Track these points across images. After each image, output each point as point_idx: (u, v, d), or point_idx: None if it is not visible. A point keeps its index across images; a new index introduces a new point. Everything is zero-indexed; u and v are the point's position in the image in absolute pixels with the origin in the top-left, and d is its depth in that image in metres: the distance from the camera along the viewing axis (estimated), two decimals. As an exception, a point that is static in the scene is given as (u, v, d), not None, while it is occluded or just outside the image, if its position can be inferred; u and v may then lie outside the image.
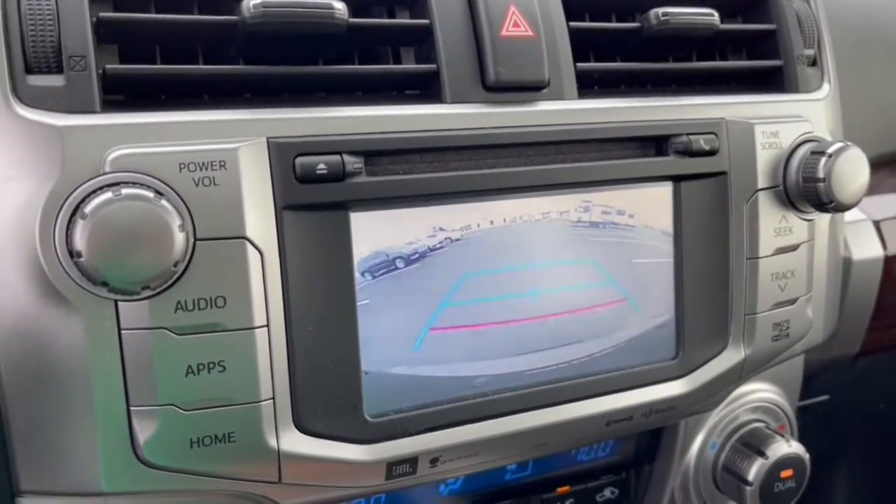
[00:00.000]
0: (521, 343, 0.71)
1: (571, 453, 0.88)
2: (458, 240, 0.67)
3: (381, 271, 0.65)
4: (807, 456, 0.89)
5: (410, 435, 0.67)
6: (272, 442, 0.61)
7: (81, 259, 0.52)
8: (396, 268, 0.65)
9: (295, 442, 0.62)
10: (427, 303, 0.66)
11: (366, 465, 0.65)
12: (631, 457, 0.91)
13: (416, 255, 0.66)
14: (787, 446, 0.87)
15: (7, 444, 0.59)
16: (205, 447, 0.59)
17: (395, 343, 0.66)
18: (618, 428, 0.76)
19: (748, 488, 0.87)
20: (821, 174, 0.76)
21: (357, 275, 0.63)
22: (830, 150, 0.77)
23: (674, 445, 0.90)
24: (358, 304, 0.63)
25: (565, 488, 0.91)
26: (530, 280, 0.71)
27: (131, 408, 0.57)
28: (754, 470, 0.87)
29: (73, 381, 0.57)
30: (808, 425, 1.06)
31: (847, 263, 0.94)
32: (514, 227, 0.69)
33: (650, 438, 0.91)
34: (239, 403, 0.59)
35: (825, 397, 1.12)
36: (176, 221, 0.53)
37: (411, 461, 0.67)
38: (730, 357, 0.79)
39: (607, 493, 0.94)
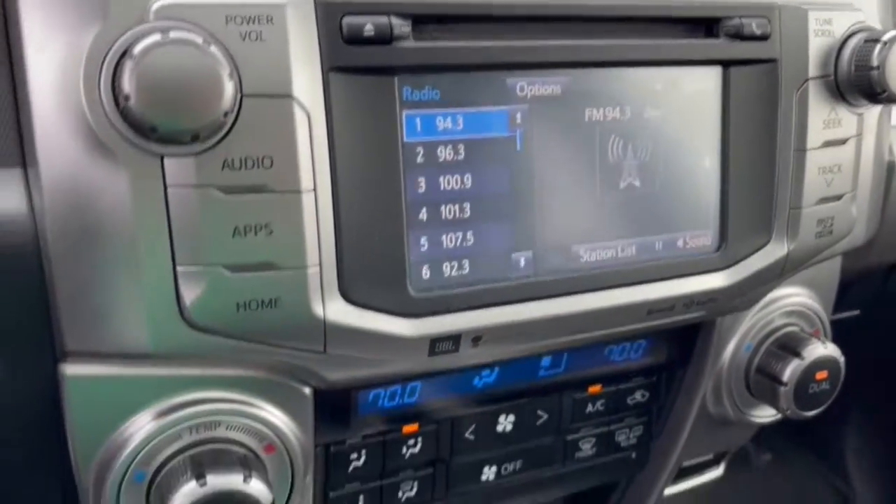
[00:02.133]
0: (568, 227, 0.70)
1: (605, 353, 0.87)
2: (505, 114, 0.66)
3: (429, 142, 0.63)
4: (842, 359, 0.88)
5: (454, 312, 0.66)
6: (318, 310, 0.60)
7: (129, 103, 0.50)
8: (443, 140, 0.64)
9: (341, 311, 0.61)
10: (472, 179, 0.65)
11: (410, 339, 0.64)
12: (664, 360, 0.90)
13: (463, 128, 0.64)
14: (824, 348, 0.87)
15: (52, 304, 0.58)
16: (251, 311, 0.58)
17: (440, 218, 0.65)
18: (658, 317, 0.75)
19: (783, 389, 0.86)
20: (874, 62, 0.74)
21: (403, 144, 0.62)
22: (885, 38, 0.74)
23: (707, 348, 0.90)
24: (403, 174, 0.62)
25: (597, 388, 0.91)
26: (577, 165, 0.69)
27: (178, 268, 0.57)
28: (790, 370, 0.86)
29: (119, 239, 0.56)
30: (836, 341, 1.05)
31: (891, 168, 0.92)
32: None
33: (683, 341, 0.91)
34: (285, 268, 0.58)
35: (856, 312, 1.11)
36: (225, 69, 0.52)
37: (454, 338, 0.66)
38: (772, 251, 0.78)
39: (638, 395, 0.94)
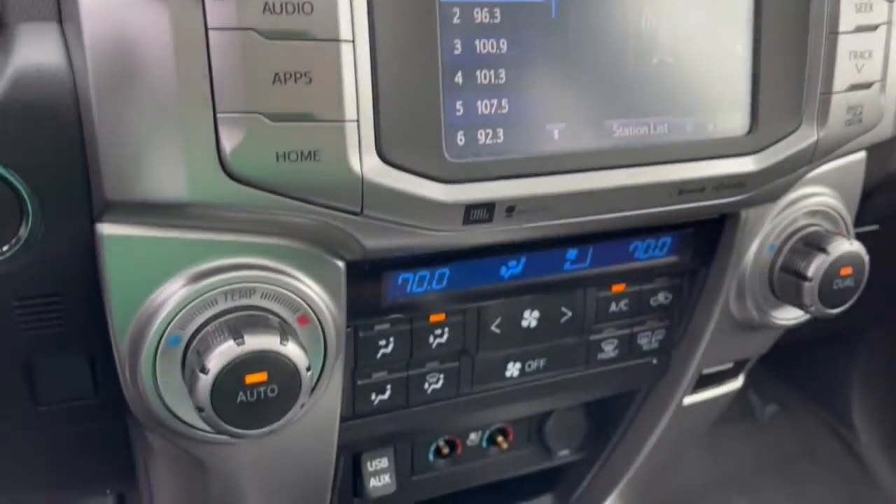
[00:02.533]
0: (601, 100, 0.70)
1: (629, 249, 0.87)
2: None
3: (465, 4, 0.63)
4: (867, 257, 0.88)
5: (489, 180, 0.66)
6: (356, 166, 0.60)
7: None
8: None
9: (377, 170, 0.61)
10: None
11: (445, 205, 0.64)
12: (688, 259, 0.91)
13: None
14: (849, 244, 0.87)
15: (91, 153, 0.58)
16: (290, 163, 0.58)
17: (476, 82, 0.65)
18: (688, 199, 0.75)
19: (807, 284, 0.87)
20: (908, -57, 0.74)
21: (440, 3, 0.62)
22: (920, -81, 0.74)
23: (730, 248, 0.90)
24: (440, 35, 0.62)
25: (621, 287, 0.91)
26: (611, 36, 0.69)
27: (217, 114, 0.56)
28: (814, 266, 0.86)
29: (160, 85, 0.56)
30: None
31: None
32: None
33: (707, 241, 0.91)
34: (324, 120, 0.58)
35: (875, 227, 1.11)
36: None
37: (488, 206, 0.66)
38: (803, 136, 0.78)
39: (661, 297, 0.94)
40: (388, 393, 0.84)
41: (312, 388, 0.72)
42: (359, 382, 0.81)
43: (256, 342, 0.62)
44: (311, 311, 0.68)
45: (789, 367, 2.41)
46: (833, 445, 2.27)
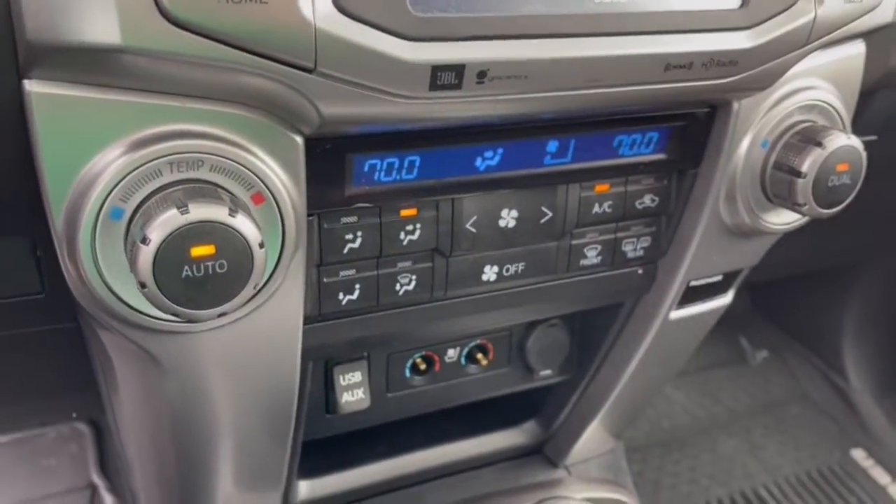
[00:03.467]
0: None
1: (614, 144, 0.82)
2: None
3: None
4: (864, 153, 0.83)
5: (458, 40, 0.60)
6: (307, 12, 0.54)
7: None
8: None
9: (332, 20, 0.56)
10: None
11: (409, 65, 0.59)
12: (675, 157, 0.85)
13: None
14: (846, 138, 0.82)
15: None
16: (234, 4, 0.52)
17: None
18: (676, 76, 0.70)
19: (801, 181, 0.82)
20: None
21: None
22: None
23: (721, 145, 0.85)
24: None
25: (605, 187, 0.86)
26: None
27: None
28: (809, 161, 0.81)
29: None
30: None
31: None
32: None
33: (696, 137, 0.85)
34: None
35: (873, 137, 1.06)
36: None
37: (457, 70, 0.61)
38: (799, 12, 0.72)
39: (647, 199, 0.89)
40: (356, 293, 0.79)
41: (270, 275, 0.67)
42: (325, 280, 0.77)
43: (203, 212, 0.57)
44: (266, 189, 0.63)
45: (780, 313, 2.39)
46: (824, 390, 2.26)
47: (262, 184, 0.63)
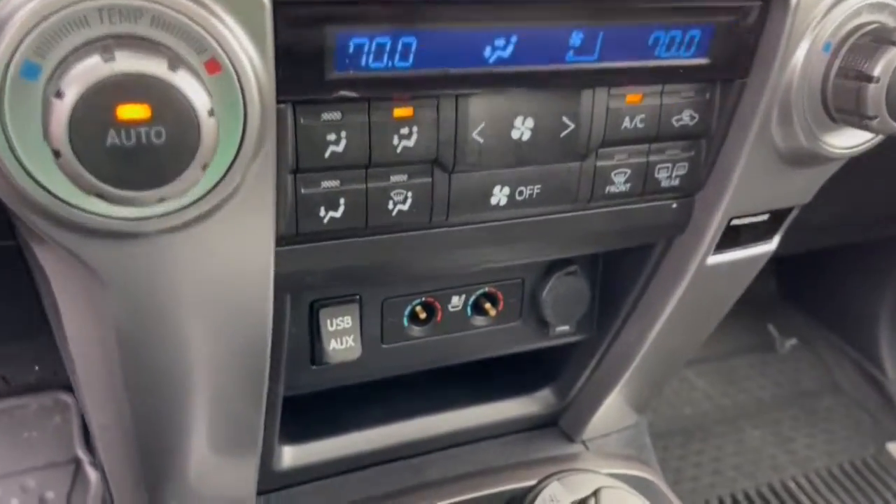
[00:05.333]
0: None
1: (648, 42, 0.69)
2: None
3: None
4: (948, 57, 0.70)
5: None
6: None
7: None
8: None
9: None
10: None
11: None
12: (722, 61, 0.72)
13: None
14: (928, 37, 0.69)
15: None
16: None
17: None
18: None
19: (872, 87, 0.68)
20: None
21: None
22: None
23: (774, 48, 0.71)
24: None
25: (636, 97, 0.74)
26: None
27: None
28: (883, 63, 0.68)
29: None
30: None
31: None
32: None
33: (746, 40, 0.73)
34: None
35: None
36: None
37: None
38: None
39: (685, 116, 0.76)
40: (341, 209, 0.67)
41: (228, 167, 0.55)
42: (303, 191, 0.64)
43: (134, 63, 0.45)
44: (223, 55, 0.51)
45: (810, 298, 2.27)
46: (858, 381, 2.13)
47: (217, 47, 0.51)
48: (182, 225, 0.56)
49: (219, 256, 0.62)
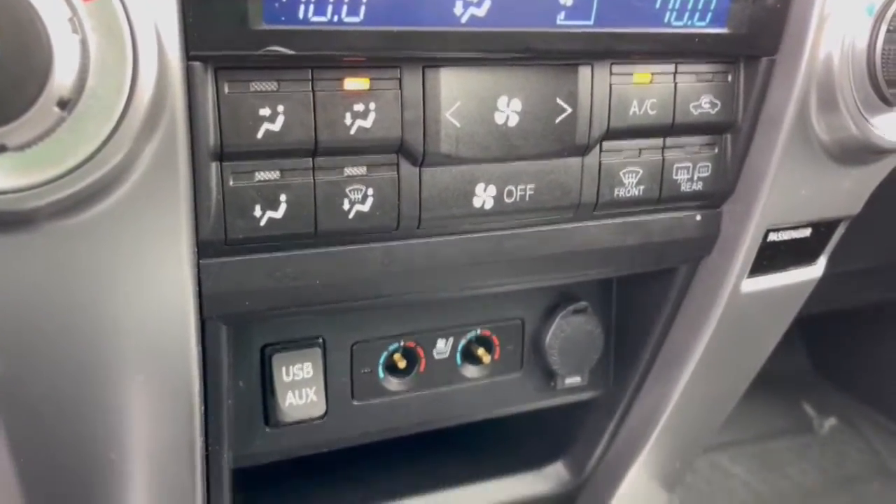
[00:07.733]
0: None
1: (656, 6, 0.57)
2: None
3: None
4: None
5: None
6: None
7: None
8: None
9: None
10: None
11: None
12: (745, 30, 0.60)
13: None
14: None
15: None
16: None
17: None
18: None
19: (934, 45, 0.56)
20: None
21: None
22: None
23: (808, 14, 0.60)
24: None
25: (645, 76, 0.61)
26: None
27: None
28: (944, 15, 0.56)
29: None
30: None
31: None
32: None
33: (772, 8, 0.61)
34: None
35: None
36: None
37: None
38: None
39: (705, 103, 0.63)
40: (282, 208, 0.53)
41: (114, 125, 0.42)
42: (231, 183, 0.51)
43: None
44: None
45: (849, 376, 2.10)
46: (907, 465, 1.92)
47: None
48: (59, 210, 0.43)
49: (120, 267, 0.48)
